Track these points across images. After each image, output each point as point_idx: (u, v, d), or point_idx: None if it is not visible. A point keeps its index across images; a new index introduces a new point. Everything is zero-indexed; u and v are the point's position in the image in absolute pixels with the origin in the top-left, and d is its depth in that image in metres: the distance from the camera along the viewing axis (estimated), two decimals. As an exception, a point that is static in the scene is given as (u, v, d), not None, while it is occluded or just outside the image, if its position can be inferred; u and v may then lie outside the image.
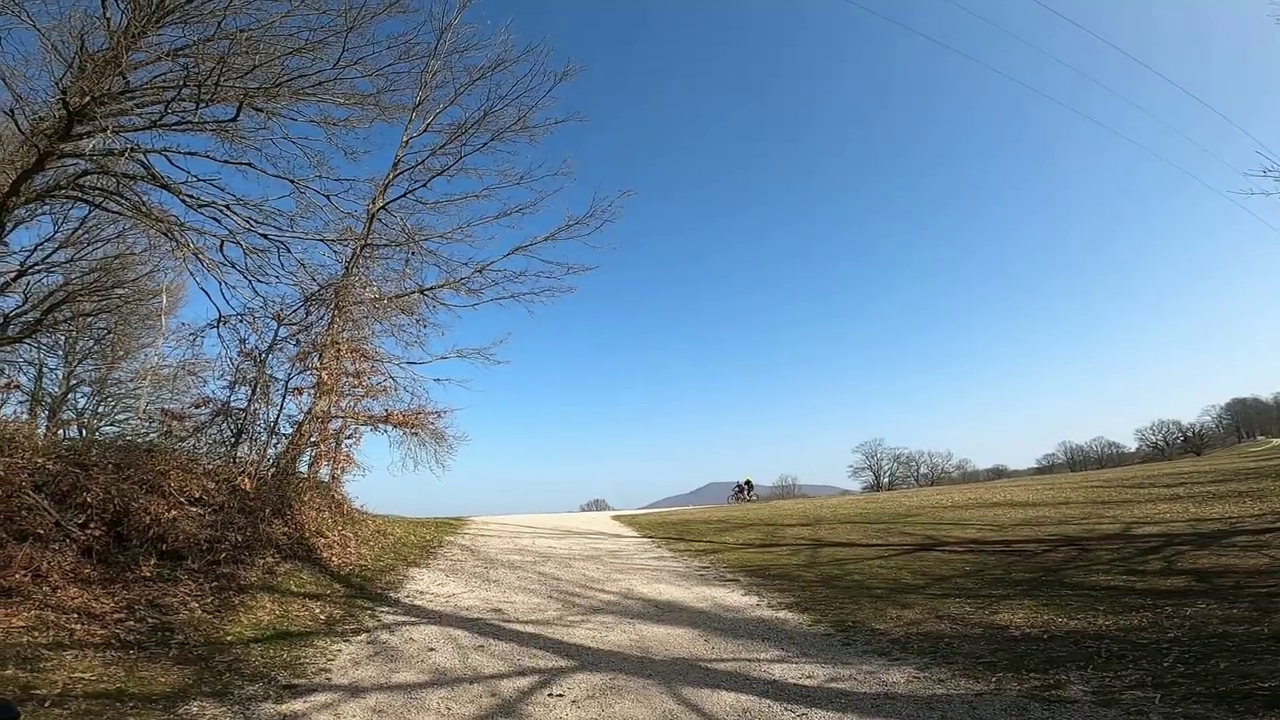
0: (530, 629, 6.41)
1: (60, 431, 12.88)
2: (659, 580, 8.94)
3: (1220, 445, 60.68)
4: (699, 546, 12.30)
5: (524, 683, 4.84)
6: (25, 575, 4.85)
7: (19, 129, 8.08)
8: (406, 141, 13.19)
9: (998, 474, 61.47)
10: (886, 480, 63.62)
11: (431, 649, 5.63)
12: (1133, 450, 63.98)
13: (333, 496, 9.77)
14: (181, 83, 8.65)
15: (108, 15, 8.44)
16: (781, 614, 6.82)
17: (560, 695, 4.56)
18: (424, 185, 13.16)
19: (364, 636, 5.83)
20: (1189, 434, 61.15)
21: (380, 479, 12.83)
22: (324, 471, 10.28)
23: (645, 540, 13.84)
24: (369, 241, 12.21)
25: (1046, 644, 4.98)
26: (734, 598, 7.70)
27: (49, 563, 5.03)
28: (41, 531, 5.25)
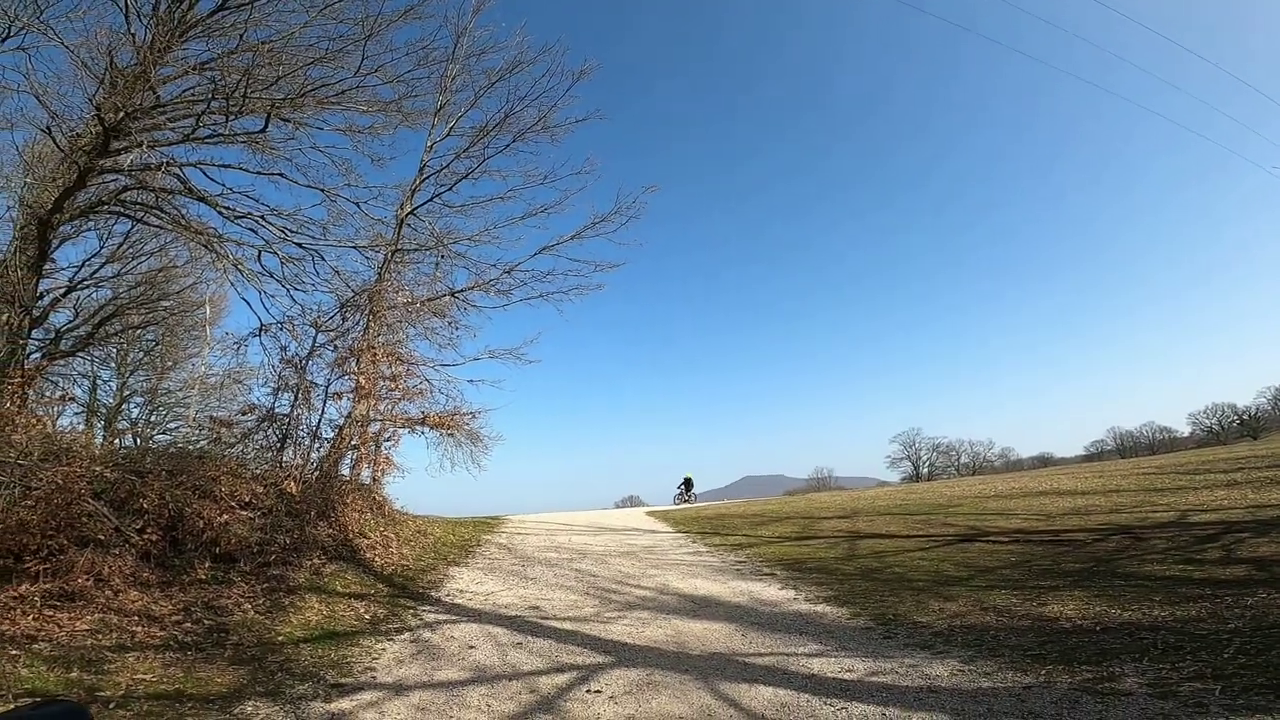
0: (567, 625, 6.48)
1: (116, 441, 13.45)
2: (695, 575, 8.94)
3: (1278, 428, 57.87)
4: (734, 541, 12.25)
5: (562, 679, 4.90)
6: (88, 580, 5.09)
7: (57, 146, 8.42)
8: (430, 146, 13.40)
9: (1043, 462, 59.62)
10: (926, 470, 62.41)
11: (472, 647, 5.74)
12: (1186, 435, 61.33)
13: (374, 498, 10.01)
14: (210, 95, 8.93)
15: (132, 31, 8.74)
16: (820, 607, 6.76)
17: (598, 691, 4.60)
18: (450, 189, 13.38)
19: (407, 635, 5.96)
20: (1245, 417, 58.32)
21: (419, 480, 13.13)
22: (365, 474, 10.54)
23: (680, 535, 13.85)
24: (399, 246, 12.45)
25: (1099, 636, 4.83)
26: (771, 592, 7.66)
27: (109, 567, 5.27)
28: (102, 537, 5.49)
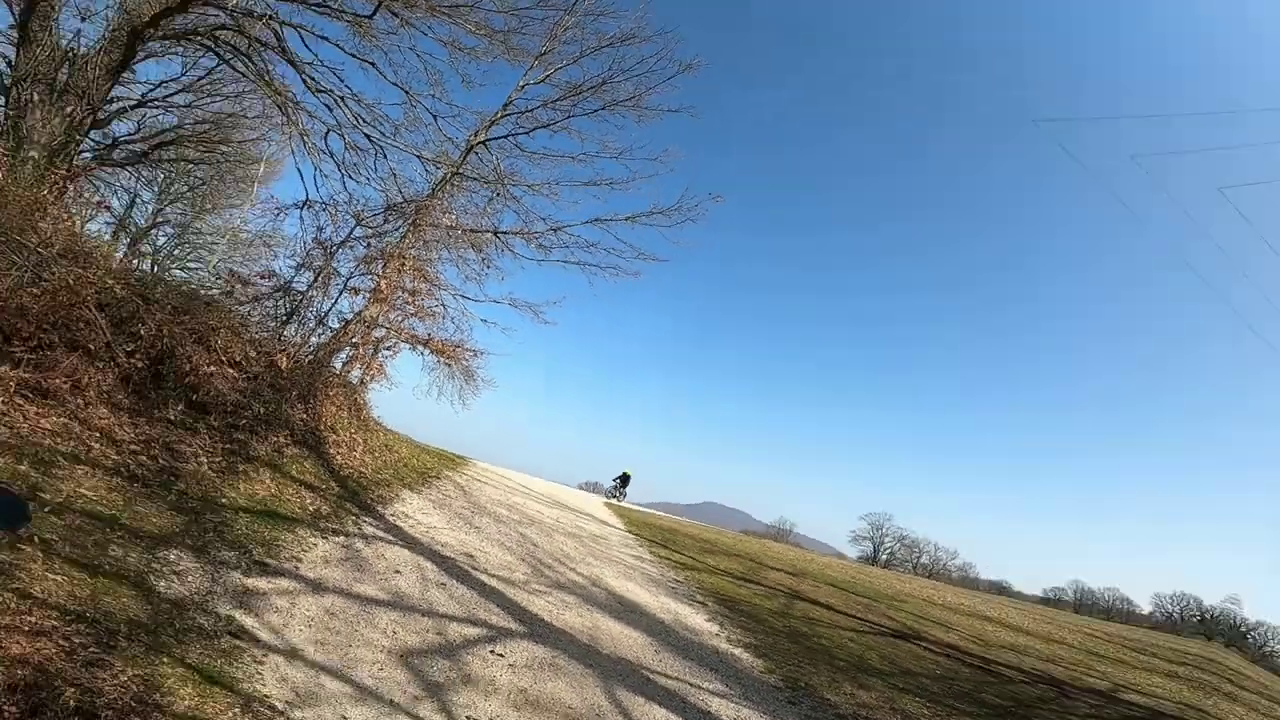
0: (494, 584, 6.51)
1: (135, 261, 13.60)
2: (630, 579, 8.96)
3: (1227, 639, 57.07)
4: (679, 559, 12.26)
5: (471, 632, 4.94)
6: (65, 383, 5.15)
7: None
8: (522, 86, 13.37)
9: (999, 589, 59.11)
10: (884, 557, 62.16)
11: (398, 571, 5.78)
12: (1145, 613, 60.77)
13: (355, 399, 10.05)
14: None
15: None
16: (738, 651, 6.76)
17: (501, 655, 4.63)
18: (527, 133, 13.33)
19: (341, 539, 6.01)
20: (1206, 616, 57.70)
21: (403, 396, 13.13)
22: (355, 374, 10.58)
23: (630, 535, 13.87)
24: (460, 171, 12.46)
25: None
26: (697, 620, 7.66)
27: (89, 378, 5.32)
28: (91, 348, 5.55)
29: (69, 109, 8.20)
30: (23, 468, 4.08)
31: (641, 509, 25.66)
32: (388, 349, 11.51)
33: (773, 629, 8.14)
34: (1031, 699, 7.76)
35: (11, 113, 8.01)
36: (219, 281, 9.54)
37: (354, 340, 10.05)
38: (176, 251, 19.69)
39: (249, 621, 3.80)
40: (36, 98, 7.99)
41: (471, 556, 7.22)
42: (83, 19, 9.66)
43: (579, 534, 11.52)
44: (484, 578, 6.56)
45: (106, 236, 12.49)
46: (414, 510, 8.37)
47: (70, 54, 8.37)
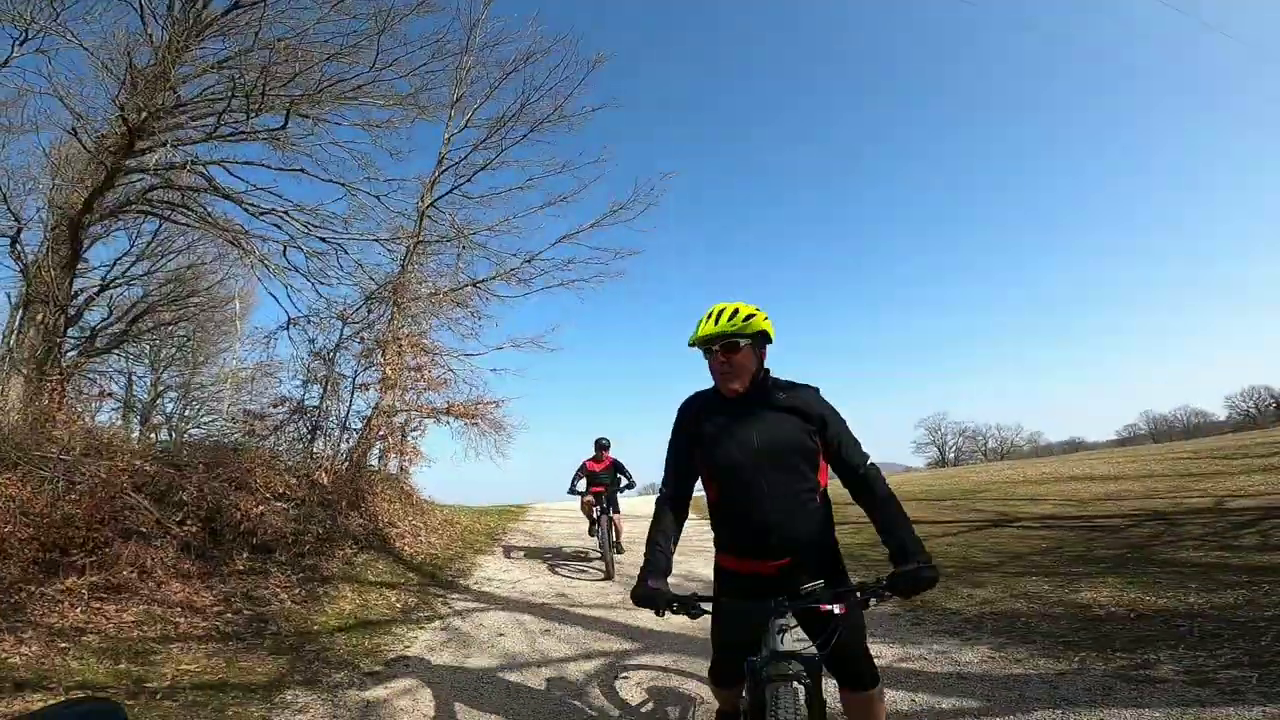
0: (595, 613, 6.55)
1: (152, 435, 13.85)
2: (720, 562, 8.96)
3: (1318, 412, 55.81)
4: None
5: (590, 666, 4.96)
6: (132, 572, 5.26)
7: (84, 147, 8.58)
8: (448, 138, 13.43)
9: (1074, 447, 58.36)
10: (952, 456, 61.64)
11: (501, 634, 5.83)
12: (1222, 419, 59.41)
13: (402, 488, 10.19)
14: (230, 94, 9.03)
15: (149, 32, 8.85)
16: (847, 594, 6.74)
17: (625, 678, 4.66)
18: (469, 180, 13.39)
19: (437, 624, 6.08)
20: (1280, 400, 56.48)
21: (444, 469, 13.26)
22: (393, 464, 10.71)
23: (705, 522, 13.87)
24: (421, 238, 12.53)
25: (1133, 623, 4.75)
26: (797, 579, 7.65)
27: (152, 559, 5.43)
28: (144, 530, 5.67)
29: (39, 317, 8.34)
30: (122, 666, 4.16)
31: (697, 494, 25.53)
32: (414, 430, 11.61)
33: (872, 561, 8.10)
34: (1144, 539, 7.66)
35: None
36: (237, 425, 9.68)
37: (381, 433, 10.15)
38: (186, 412, 20.05)
39: (381, 731, 3.85)
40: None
41: (564, 595, 7.27)
42: (19, 229, 9.82)
43: (656, 537, 11.54)
44: (583, 611, 6.60)
45: (118, 422, 12.70)
46: (494, 572, 8.44)
47: (24, 266, 8.53)
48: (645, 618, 6.32)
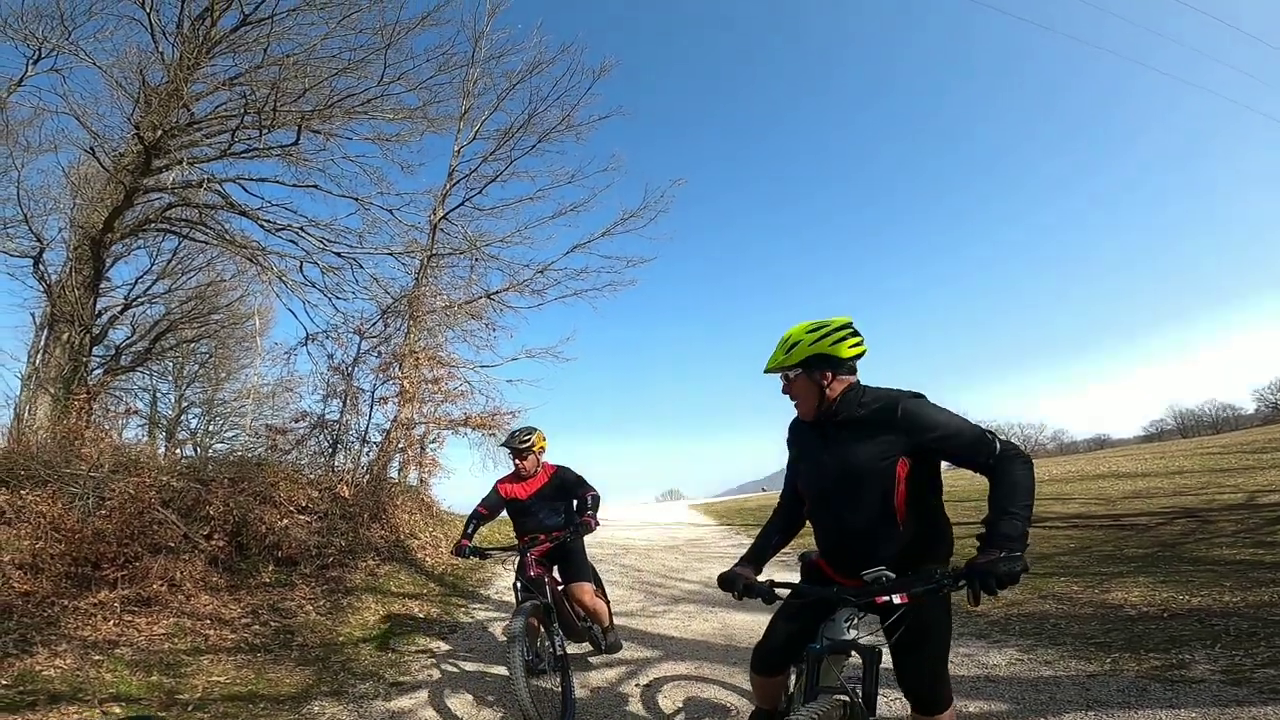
0: (616, 621, 6.53)
1: (177, 451, 14.09)
2: (741, 567, 8.91)
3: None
4: (779, 531, 12.16)
5: (612, 674, 4.95)
6: (162, 585, 5.34)
7: (102, 166, 8.78)
8: (458, 151, 13.57)
9: (1099, 444, 56.99)
10: (976, 455, 60.40)
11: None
12: (1251, 412, 57.88)
13: (422, 499, 10.26)
14: (243, 110, 9.21)
15: (160, 50, 9.06)
16: (870, 598, 6.67)
17: (647, 685, 4.64)
18: (479, 192, 13.52)
19: (460, 633, 6.10)
20: (1307, 392, 54.79)
21: (462, 480, 13.33)
22: (412, 476, 10.80)
23: (724, 528, 13.86)
24: (434, 251, 12.66)
25: (1167, 623, 4.65)
26: (819, 583, 7.59)
27: (181, 572, 5.52)
28: (172, 544, 5.76)
29: (64, 337, 8.52)
30: (154, 678, 4.22)
31: (714, 500, 25.54)
32: (433, 442, 11.71)
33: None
34: (1175, 537, 7.51)
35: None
36: (260, 440, 9.83)
37: (400, 446, 10.24)
38: (210, 427, 20.35)
39: (409, 741, 3.87)
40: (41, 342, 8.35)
41: (585, 603, 7.25)
42: (42, 250, 10.06)
43: (675, 545, 11.54)
44: (605, 619, 6.57)
45: (144, 438, 12.93)
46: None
47: (47, 287, 8.73)
48: (665, 624, 6.31)
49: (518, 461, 4.60)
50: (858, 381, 2.24)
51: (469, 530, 4.68)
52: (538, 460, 4.69)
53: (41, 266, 9.40)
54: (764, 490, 42.16)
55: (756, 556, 2.46)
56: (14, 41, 8.70)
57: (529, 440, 4.60)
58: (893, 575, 2.10)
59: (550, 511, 4.69)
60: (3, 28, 8.48)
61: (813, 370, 2.20)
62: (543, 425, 4.95)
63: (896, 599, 1.93)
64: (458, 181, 13.38)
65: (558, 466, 4.79)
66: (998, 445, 2.04)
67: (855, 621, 2.09)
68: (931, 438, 2.08)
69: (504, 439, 4.91)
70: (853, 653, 2.11)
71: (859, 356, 2.22)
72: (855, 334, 2.22)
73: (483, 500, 4.77)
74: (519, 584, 4.32)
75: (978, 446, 2.06)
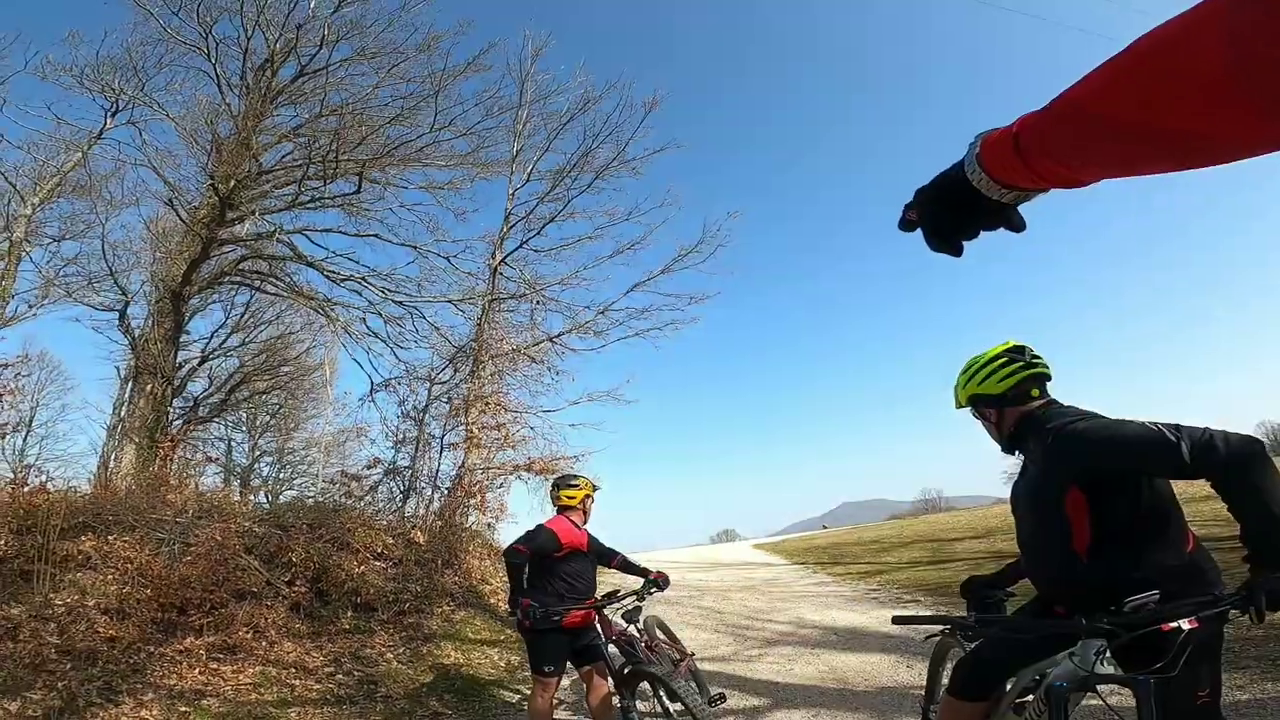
0: (709, 666, 6.06)
1: (251, 498, 14.33)
2: (830, 607, 8.32)
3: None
4: (860, 569, 11.46)
5: (724, 726, 4.51)
6: (247, 632, 5.19)
7: (180, 218, 9.16)
8: (512, 194, 13.70)
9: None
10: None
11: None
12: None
13: (490, 545, 10.03)
14: (307, 159, 9.55)
15: (227, 101, 9.52)
16: (989, 637, 6.04)
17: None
18: (538, 233, 13.50)
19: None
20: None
21: (526, 525, 13.03)
22: (482, 521, 10.60)
23: (798, 566, 13.16)
24: (495, 296, 12.71)
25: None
26: (924, 621, 6.97)
27: (265, 619, 5.37)
28: (255, 590, 5.64)
29: (148, 388, 8.77)
30: (245, 730, 4.02)
31: (778, 539, 24.55)
32: (499, 487, 11.51)
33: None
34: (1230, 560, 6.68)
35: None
36: (335, 486, 9.84)
37: (471, 491, 10.09)
38: (281, 475, 20.82)
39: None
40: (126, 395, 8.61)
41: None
42: (127, 304, 10.49)
43: (752, 585, 10.95)
44: (695, 664, 6.13)
45: (220, 486, 13.18)
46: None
47: (132, 340, 9.05)
48: (764, 669, 5.82)
49: (588, 505, 4.05)
50: (1037, 409, 2.06)
51: (525, 584, 3.74)
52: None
53: (126, 320, 9.80)
54: (825, 527, 40.56)
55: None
56: (91, 93, 9.25)
57: (588, 491, 4.04)
58: (1158, 596, 1.75)
59: (594, 570, 4.12)
60: (79, 79, 9.04)
61: (978, 408, 2.21)
62: (596, 470, 4.62)
63: (1185, 624, 1.57)
64: (515, 225, 13.48)
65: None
66: (1185, 445, 1.65)
67: (1107, 654, 1.77)
68: (1111, 465, 1.83)
69: (565, 479, 4.16)
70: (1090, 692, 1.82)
71: (1016, 386, 2.08)
72: (1009, 363, 2.09)
73: (530, 542, 3.74)
74: (607, 646, 3.92)
75: (1159, 455, 1.70)
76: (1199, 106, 0.52)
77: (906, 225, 0.86)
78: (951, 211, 0.79)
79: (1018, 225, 0.79)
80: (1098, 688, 1.78)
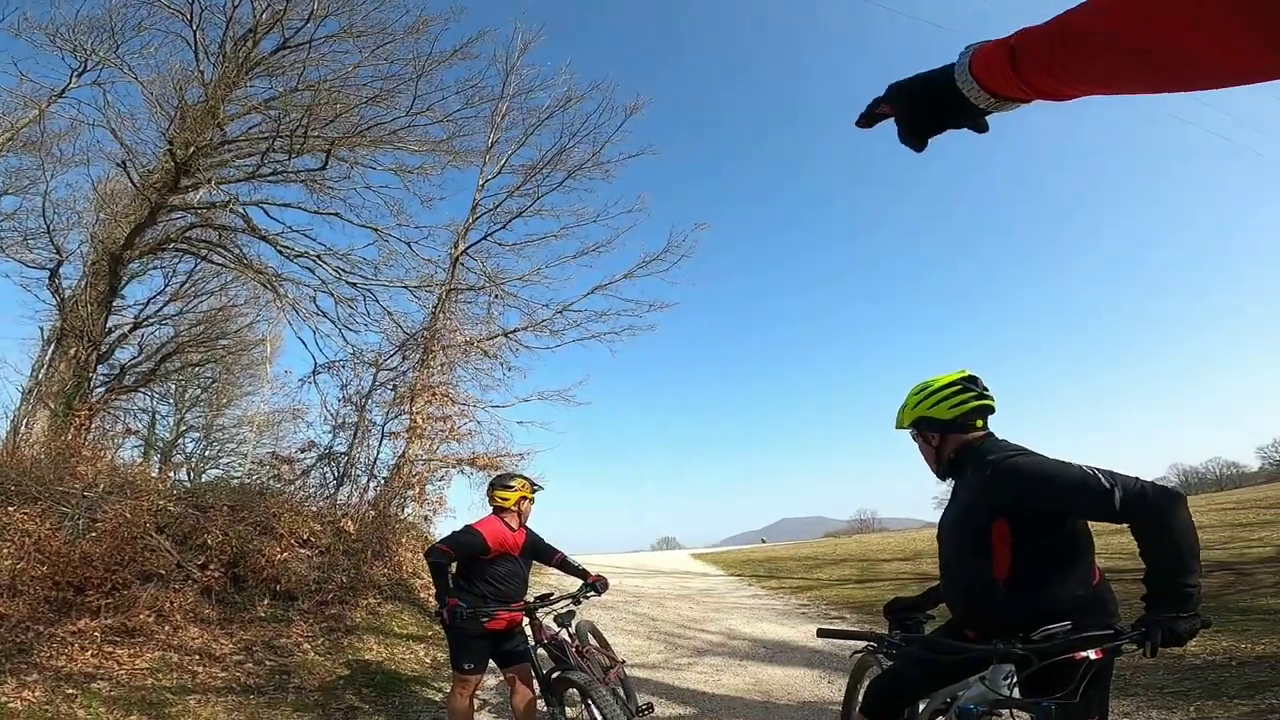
0: (639, 673, 6.03)
1: (171, 475, 13.59)
2: (761, 620, 8.41)
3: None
4: (792, 584, 11.64)
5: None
6: (149, 615, 4.91)
7: (131, 181, 8.68)
8: (482, 185, 13.46)
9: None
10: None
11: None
12: (1255, 470, 57.31)
13: (425, 539, 9.77)
14: (274, 133, 9.18)
15: (201, 69, 9.10)
16: (910, 656, 6.19)
17: (689, 747, 4.18)
18: (503, 227, 13.28)
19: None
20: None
21: (463, 519, 12.77)
22: (418, 513, 10.31)
23: (734, 578, 13.28)
24: (453, 286, 12.44)
25: (1239, 670, 4.30)
26: (850, 638, 7.10)
27: (171, 603, 5.09)
28: (163, 572, 5.34)
29: (71, 352, 8.25)
30: (133, 717, 3.78)
31: (717, 550, 24.77)
32: (439, 480, 11.24)
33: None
34: (1216, 589, 7.08)
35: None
36: (264, 468, 9.44)
37: (408, 482, 9.82)
38: (207, 453, 19.84)
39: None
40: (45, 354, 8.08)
41: (601, 652, 6.75)
42: (60, 263, 9.89)
43: (688, 594, 10.99)
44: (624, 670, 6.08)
45: (139, 459, 12.47)
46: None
47: (60, 300, 8.50)
48: (693, 678, 5.83)
49: (524, 506, 3.88)
50: (976, 440, 2.12)
51: (451, 584, 3.63)
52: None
53: (57, 280, 9.19)
54: (764, 541, 41.10)
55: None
56: (62, 52, 8.73)
57: (529, 489, 3.90)
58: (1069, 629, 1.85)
59: (527, 571, 4.03)
60: (53, 37, 8.51)
61: (921, 430, 2.22)
62: (541, 469, 4.55)
63: (1092, 654, 1.68)
64: (480, 216, 13.24)
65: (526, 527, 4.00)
66: (1118, 493, 1.74)
67: (1013, 680, 1.81)
68: (1038, 502, 1.90)
69: (502, 479, 3.92)
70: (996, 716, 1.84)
71: (965, 415, 2.12)
72: (961, 391, 2.12)
73: (455, 544, 3.65)
74: (537, 649, 3.84)
75: (1096, 505, 1.79)
76: (1202, 32, 0.54)
77: (870, 119, 0.90)
78: (931, 110, 0.84)
79: (983, 128, 0.85)
80: (1003, 711, 1.82)
